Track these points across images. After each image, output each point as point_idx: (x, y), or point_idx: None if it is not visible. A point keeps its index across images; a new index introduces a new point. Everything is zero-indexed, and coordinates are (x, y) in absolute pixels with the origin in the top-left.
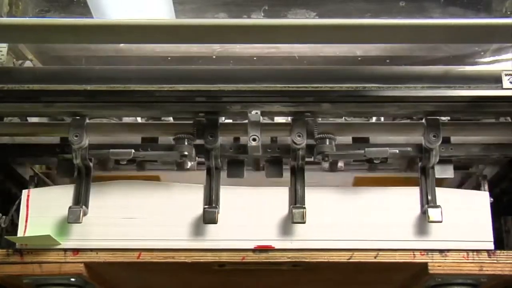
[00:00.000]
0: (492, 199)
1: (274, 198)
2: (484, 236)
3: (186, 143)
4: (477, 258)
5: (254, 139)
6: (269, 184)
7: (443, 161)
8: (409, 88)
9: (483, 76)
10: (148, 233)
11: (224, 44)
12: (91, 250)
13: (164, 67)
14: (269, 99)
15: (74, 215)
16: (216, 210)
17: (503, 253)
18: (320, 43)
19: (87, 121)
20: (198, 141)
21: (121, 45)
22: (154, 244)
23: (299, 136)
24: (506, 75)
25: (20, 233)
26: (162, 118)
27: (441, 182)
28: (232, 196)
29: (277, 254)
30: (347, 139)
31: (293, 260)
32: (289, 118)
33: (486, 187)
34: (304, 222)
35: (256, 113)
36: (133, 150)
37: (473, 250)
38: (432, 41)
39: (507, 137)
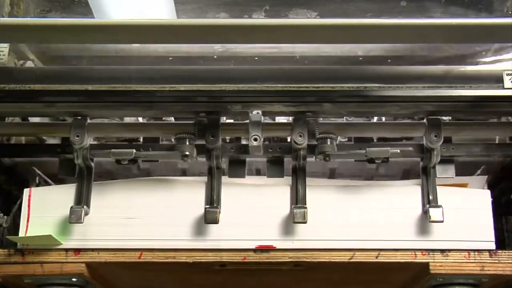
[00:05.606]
0: (492, 198)
1: (275, 197)
2: (486, 236)
3: (187, 143)
4: (479, 258)
5: (255, 139)
6: None
7: (444, 160)
8: (410, 88)
9: (484, 76)
10: (149, 233)
11: (225, 44)
12: (93, 250)
13: (165, 67)
14: (270, 99)
15: (76, 215)
16: (218, 210)
17: (505, 253)
18: (321, 43)
19: (88, 121)
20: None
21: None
22: (155, 244)
23: (300, 136)
24: (507, 75)
25: (21, 233)
26: (163, 118)
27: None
28: (233, 195)
29: (278, 254)
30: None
31: (294, 260)
32: (290, 118)
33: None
34: (305, 222)
35: (257, 113)
36: (134, 150)
37: (474, 250)
38: (432, 41)
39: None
